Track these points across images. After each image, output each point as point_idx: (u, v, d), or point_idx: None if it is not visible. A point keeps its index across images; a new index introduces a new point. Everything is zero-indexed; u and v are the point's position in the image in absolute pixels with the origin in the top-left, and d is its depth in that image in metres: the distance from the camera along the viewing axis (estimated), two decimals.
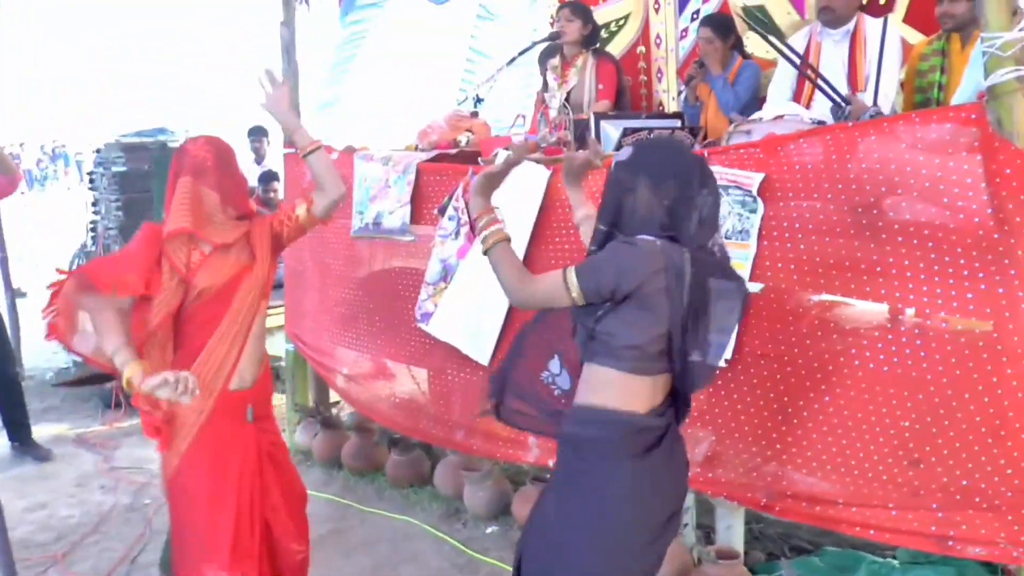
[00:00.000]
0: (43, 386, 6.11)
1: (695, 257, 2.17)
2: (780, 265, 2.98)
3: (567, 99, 4.86)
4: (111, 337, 2.63)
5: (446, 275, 4.08)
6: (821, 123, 3.26)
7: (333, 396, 5.65)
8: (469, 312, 3.96)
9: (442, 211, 4.12)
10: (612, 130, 3.96)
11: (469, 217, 3.83)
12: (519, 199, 3.74)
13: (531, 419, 2.66)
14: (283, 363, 5.78)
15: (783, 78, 4.15)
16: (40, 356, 5.75)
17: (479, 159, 4.14)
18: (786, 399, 2.97)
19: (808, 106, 3.88)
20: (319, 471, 5.03)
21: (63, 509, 4.72)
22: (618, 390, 2.20)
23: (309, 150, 2.92)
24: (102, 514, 4.60)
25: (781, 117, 3.42)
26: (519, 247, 3.71)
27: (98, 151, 6.90)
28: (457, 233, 4.04)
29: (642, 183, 2.19)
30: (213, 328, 2.77)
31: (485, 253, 2.34)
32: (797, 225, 2.93)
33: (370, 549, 4.13)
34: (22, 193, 5.41)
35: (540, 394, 2.61)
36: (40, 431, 5.66)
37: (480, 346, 3.91)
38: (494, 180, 2.43)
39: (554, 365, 2.59)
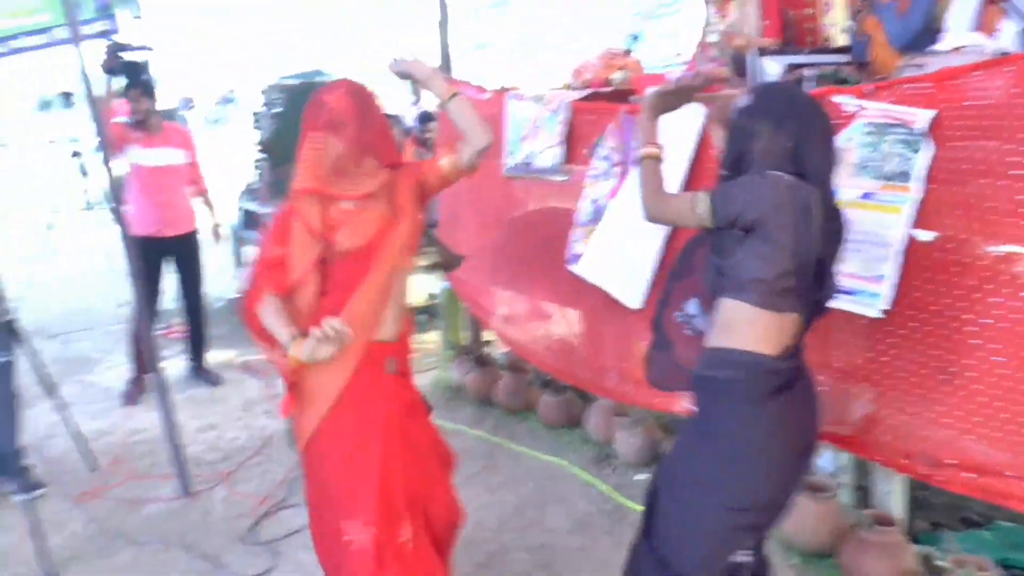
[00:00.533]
0: (216, 314, 6.43)
1: (824, 197, 2.23)
2: (949, 212, 2.72)
3: None
4: (282, 330, 2.58)
5: (596, 216, 4.00)
6: (1006, 55, 2.95)
7: (486, 334, 5.72)
8: (618, 254, 3.87)
9: (593, 151, 4.04)
10: (774, 66, 3.74)
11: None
12: (674, 139, 3.60)
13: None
14: (437, 301, 5.89)
15: (965, 4, 3.79)
16: (212, 285, 6.08)
17: (631, 98, 4.01)
18: (952, 358, 2.73)
19: (992, 35, 3.53)
20: (471, 408, 5.12)
21: (230, 431, 5.02)
22: (748, 329, 2.24)
23: (447, 98, 2.73)
24: (264, 438, 4.87)
25: (960, 49, 3.13)
26: (675, 189, 3.58)
27: (263, 92, 7.17)
28: (608, 173, 3.95)
29: (765, 127, 2.25)
30: (356, 284, 2.64)
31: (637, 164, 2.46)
32: (966, 167, 2.66)
33: (517, 487, 4.17)
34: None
35: (669, 337, 2.61)
36: (211, 357, 6.02)
37: (630, 289, 3.83)
38: (670, 100, 2.55)
39: (692, 306, 2.58)
